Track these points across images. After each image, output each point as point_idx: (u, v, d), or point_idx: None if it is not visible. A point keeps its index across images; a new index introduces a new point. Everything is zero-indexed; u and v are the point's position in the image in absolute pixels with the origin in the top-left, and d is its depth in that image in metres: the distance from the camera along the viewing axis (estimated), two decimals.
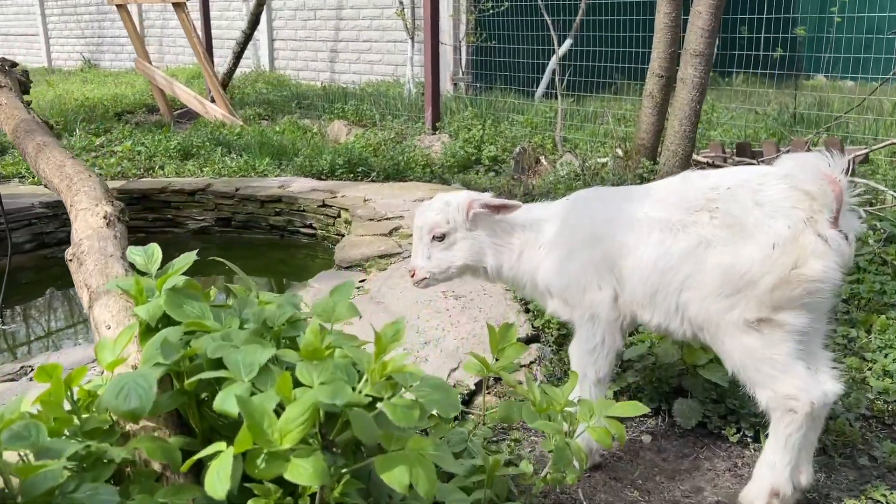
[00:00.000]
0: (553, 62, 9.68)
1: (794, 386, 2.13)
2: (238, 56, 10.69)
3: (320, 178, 6.58)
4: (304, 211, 5.85)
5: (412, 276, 2.66)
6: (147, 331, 1.79)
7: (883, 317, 3.36)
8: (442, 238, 2.61)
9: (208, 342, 1.62)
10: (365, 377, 1.47)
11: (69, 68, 17.52)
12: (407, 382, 1.54)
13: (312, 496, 1.55)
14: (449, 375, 3.09)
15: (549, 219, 2.60)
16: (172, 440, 1.73)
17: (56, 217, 5.65)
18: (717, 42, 4.75)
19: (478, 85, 10.66)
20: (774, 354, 2.15)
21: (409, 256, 4.48)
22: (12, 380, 2.88)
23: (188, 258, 1.93)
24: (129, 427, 1.75)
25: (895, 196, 4.31)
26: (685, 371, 2.87)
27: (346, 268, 4.23)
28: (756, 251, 2.13)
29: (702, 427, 2.79)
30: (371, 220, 5.13)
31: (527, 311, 3.65)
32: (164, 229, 6.15)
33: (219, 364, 1.59)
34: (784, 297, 2.11)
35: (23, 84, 3.69)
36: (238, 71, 11.82)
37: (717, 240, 2.20)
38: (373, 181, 6.53)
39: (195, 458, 1.40)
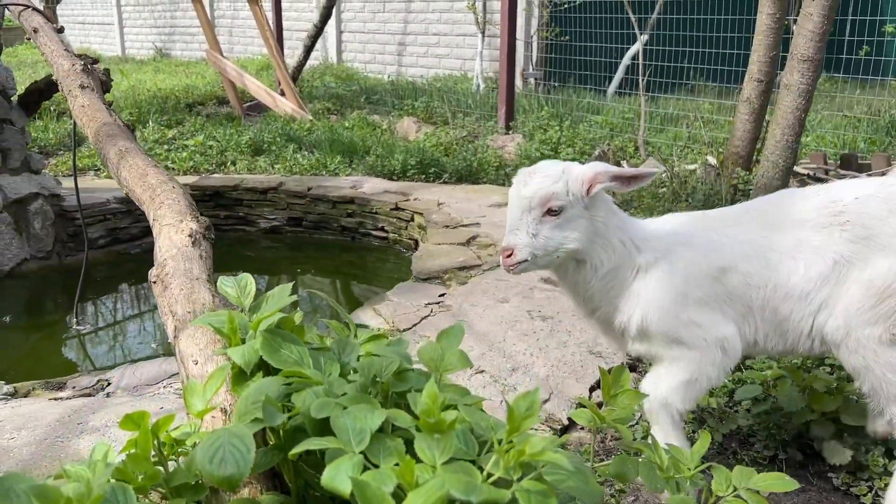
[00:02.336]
0: (627, 59, 9.33)
1: None
2: (309, 49, 10.64)
3: (392, 179, 6.43)
4: (376, 213, 5.70)
5: (507, 255, 2.17)
6: (239, 374, 1.63)
7: None
8: (558, 213, 2.13)
9: (310, 398, 1.44)
10: (494, 457, 1.27)
11: (142, 57, 17.87)
12: (539, 463, 1.33)
13: None
14: (543, 406, 2.87)
15: (648, 238, 2.30)
16: (265, 498, 1.56)
17: (130, 213, 5.64)
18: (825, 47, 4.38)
19: (549, 83, 10.36)
20: None
21: (489, 269, 4.28)
22: (89, 395, 2.79)
23: (284, 292, 1.75)
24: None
25: None
26: (812, 418, 2.59)
27: (425, 279, 4.04)
28: (890, 264, 2.06)
29: (825, 481, 2.51)
30: (447, 226, 4.94)
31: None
32: (236, 227, 6.09)
33: (323, 425, 1.41)
34: None
35: (104, 83, 3.61)
36: (306, 64, 11.79)
37: (854, 255, 2.11)
38: (445, 183, 6.34)
39: None
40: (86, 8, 20.50)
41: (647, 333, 2.27)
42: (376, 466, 1.32)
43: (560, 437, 2.80)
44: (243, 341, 1.68)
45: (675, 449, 1.90)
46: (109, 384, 2.86)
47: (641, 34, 8.88)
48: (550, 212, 2.13)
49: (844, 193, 2.18)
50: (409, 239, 5.43)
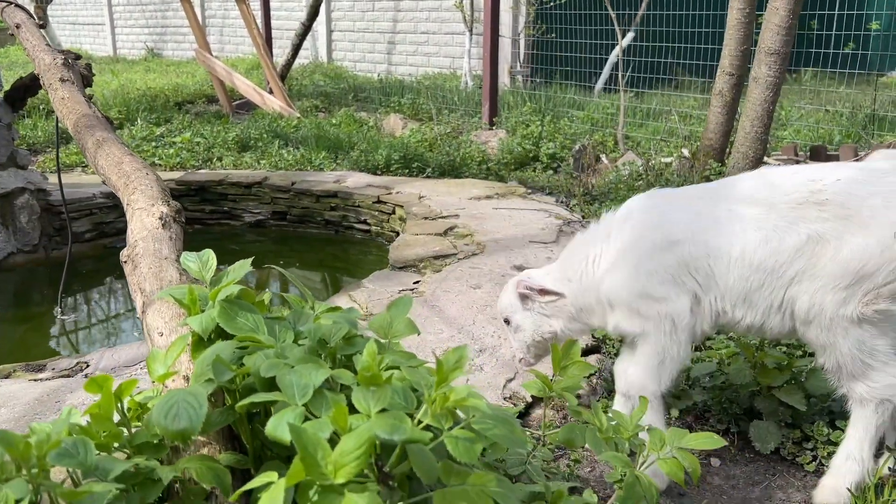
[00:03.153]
0: (613, 56, 9.45)
1: (893, 375, 2.18)
2: (297, 48, 10.73)
3: (375, 174, 6.53)
4: (359, 207, 5.80)
5: (519, 361, 2.77)
6: (199, 342, 1.73)
7: None
8: (508, 323, 2.68)
9: (261, 360, 1.55)
10: (424, 407, 1.38)
11: (133, 57, 17.93)
12: (469, 413, 1.44)
13: None
14: (505, 386, 2.98)
15: (604, 237, 2.51)
16: (223, 457, 1.67)
17: (116, 207, 5.72)
18: (793, 40, 4.50)
19: (536, 79, 10.47)
20: (880, 346, 2.18)
21: (464, 258, 4.39)
22: (67, 376, 2.88)
23: (243, 266, 1.86)
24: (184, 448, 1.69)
25: None
26: (758, 392, 2.70)
27: (401, 268, 4.15)
28: (873, 242, 2.11)
29: (774, 452, 2.62)
30: (426, 218, 5.05)
31: None
32: (221, 221, 6.18)
33: (272, 383, 1.52)
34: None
35: (86, 78, 3.70)
36: (296, 62, 11.88)
37: (829, 233, 2.17)
38: (428, 177, 6.44)
39: (245, 488, 1.33)
40: (77, 8, 20.54)
41: (611, 306, 2.45)
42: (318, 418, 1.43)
43: (525, 413, 2.91)
44: (203, 312, 1.78)
45: (617, 414, 2.01)
46: (88, 366, 2.95)
47: (627, 30, 9.01)
48: (507, 323, 2.70)
49: (825, 173, 2.23)
50: (391, 231, 5.53)
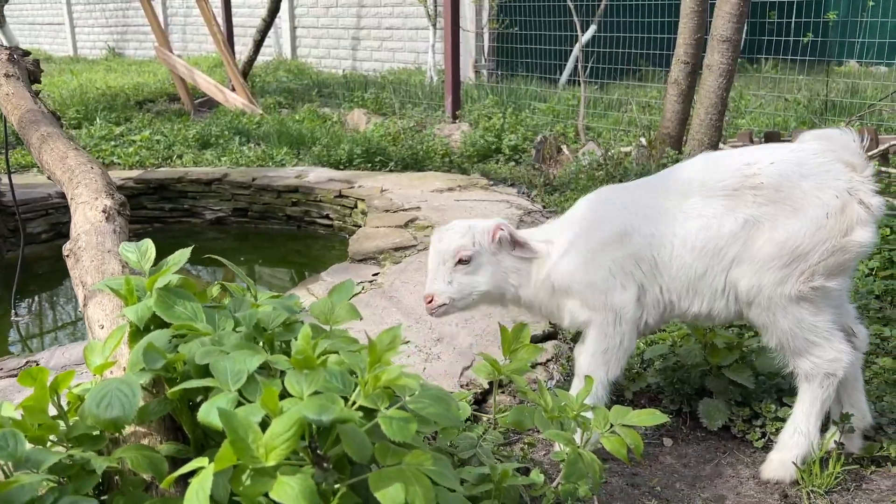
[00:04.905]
0: (577, 49, 9.50)
1: (836, 350, 2.26)
2: (258, 44, 10.63)
3: (338, 168, 6.50)
4: (320, 201, 5.77)
5: (428, 302, 2.52)
6: (137, 332, 1.71)
7: None
8: (468, 261, 2.49)
9: (196, 347, 1.54)
10: (358, 388, 1.38)
11: (94, 57, 17.63)
12: (405, 392, 1.44)
13: None
14: (462, 374, 2.99)
15: (559, 231, 2.57)
16: (163, 447, 1.65)
17: (61, 207, 5.63)
18: (745, 28, 4.56)
19: (500, 72, 10.49)
20: (819, 322, 2.25)
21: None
22: (13, 376, 2.83)
23: (183, 255, 1.84)
24: (120, 434, 1.67)
25: None
26: (709, 372, 2.74)
27: (360, 260, 4.14)
28: (807, 223, 2.18)
29: (724, 430, 2.66)
30: (387, 211, 5.04)
31: None
32: (181, 219, 6.11)
33: (208, 370, 1.51)
34: (836, 264, 2.20)
35: (32, 74, 3.63)
36: (259, 59, 11.77)
37: (764, 216, 2.24)
38: (391, 171, 6.43)
39: (176, 474, 1.32)
40: (35, 8, 20.13)
41: (567, 294, 2.48)
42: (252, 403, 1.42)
43: (482, 399, 2.92)
44: (141, 301, 1.76)
45: (562, 394, 2.03)
46: (38, 364, 2.90)
47: (590, 23, 9.07)
48: (462, 261, 2.47)
49: (760, 156, 2.30)
50: (354, 225, 5.51)
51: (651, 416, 1.83)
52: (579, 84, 8.98)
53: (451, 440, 2.14)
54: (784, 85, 9.39)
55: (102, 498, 1.61)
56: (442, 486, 1.60)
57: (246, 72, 10.38)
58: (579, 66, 7.13)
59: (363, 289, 3.67)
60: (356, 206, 5.54)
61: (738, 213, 2.25)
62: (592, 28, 9.16)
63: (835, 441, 2.48)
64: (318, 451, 1.37)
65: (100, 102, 9.40)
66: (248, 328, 1.58)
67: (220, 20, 10.70)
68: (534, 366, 3.14)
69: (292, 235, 5.89)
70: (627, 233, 2.40)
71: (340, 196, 5.66)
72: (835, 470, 2.34)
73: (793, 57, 9.48)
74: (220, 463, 1.24)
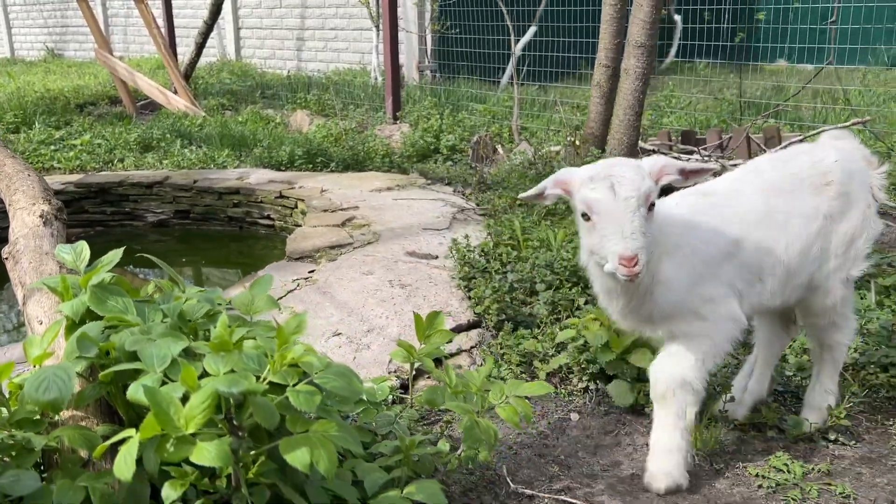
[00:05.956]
0: (518, 50, 9.78)
1: (856, 323, 2.66)
2: (200, 47, 10.64)
3: (279, 170, 6.65)
4: (261, 202, 5.92)
5: (634, 264, 2.00)
6: (73, 326, 1.88)
7: None
8: (653, 207, 2.10)
9: (126, 336, 1.73)
10: (268, 367, 1.58)
11: (32, 59, 17.27)
12: (313, 370, 1.66)
13: (229, 477, 1.67)
14: (390, 362, 3.20)
15: (669, 223, 2.30)
16: (100, 429, 1.83)
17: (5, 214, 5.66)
18: (657, 33, 4.88)
19: (443, 74, 10.71)
20: (851, 299, 2.62)
21: (360, 246, 4.58)
22: None
23: (115, 255, 2.02)
24: (59, 417, 1.85)
25: None
26: (613, 353, 3.01)
27: (297, 259, 4.32)
28: (857, 214, 2.49)
29: (627, 406, 2.94)
30: (325, 210, 5.22)
31: (469, 298, 3.77)
32: (123, 222, 6.18)
33: (136, 356, 1.69)
34: (867, 249, 2.53)
35: None
36: (204, 60, 11.76)
37: (834, 211, 2.47)
38: (332, 171, 6.60)
39: (108, 443, 1.50)
40: None
41: (670, 312, 2.29)
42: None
43: (408, 385, 3.13)
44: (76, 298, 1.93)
45: (468, 373, 2.26)
46: None
47: (529, 26, 9.36)
48: (651, 208, 2.09)
49: (824, 156, 2.50)
50: (294, 225, 5.67)
51: (540, 387, 2.08)
52: (520, 85, 9.28)
53: (372, 419, 2.36)
54: (715, 85, 9.84)
55: (43, 475, 1.78)
56: (352, 451, 1.82)
57: (188, 74, 10.39)
58: (513, 69, 7.40)
59: (298, 285, 3.86)
60: (296, 207, 5.70)
61: (819, 211, 2.43)
62: (532, 31, 9.45)
63: (719, 410, 2.78)
64: (234, 422, 1.57)
65: (39, 106, 9.32)
66: (173, 318, 1.77)
67: (161, 22, 10.69)
68: (460, 352, 3.38)
69: (234, 236, 6.02)
70: (739, 241, 2.36)
71: (281, 197, 5.81)
72: (716, 434, 2.63)
73: (723, 60, 9.95)
74: (145, 432, 1.44)
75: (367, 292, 3.79)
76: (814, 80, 6.65)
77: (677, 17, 11.04)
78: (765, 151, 4.96)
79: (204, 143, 7.46)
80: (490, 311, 3.57)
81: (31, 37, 18.16)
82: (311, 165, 6.70)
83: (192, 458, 1.44)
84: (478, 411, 2.10)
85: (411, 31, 10.70)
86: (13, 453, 1.67)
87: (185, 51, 11.93)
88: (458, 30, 10.31)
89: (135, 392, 1.54)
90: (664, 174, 2.15)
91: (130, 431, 1.48)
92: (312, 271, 4.08)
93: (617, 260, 2.00)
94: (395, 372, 3.16)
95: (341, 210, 5.25)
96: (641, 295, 2.26)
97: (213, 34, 12.16)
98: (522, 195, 2.30)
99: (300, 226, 5.49)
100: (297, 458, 1.52)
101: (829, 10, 6.10)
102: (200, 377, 1.57)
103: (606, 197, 2.04)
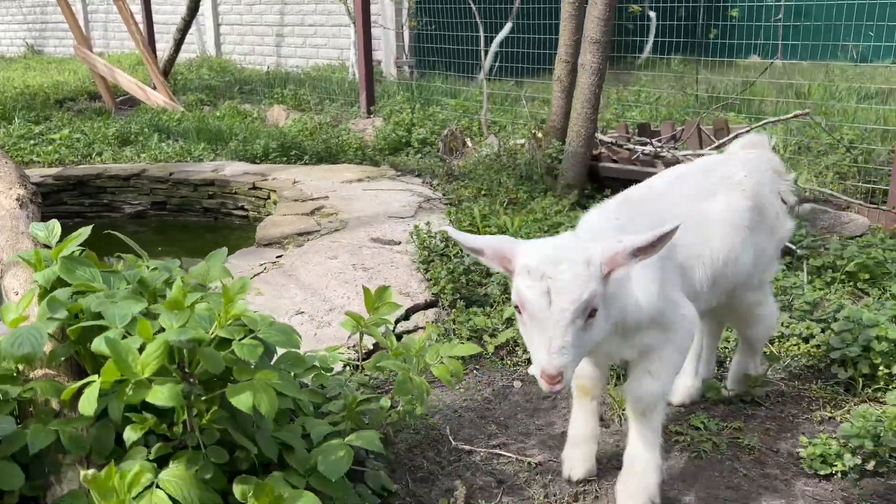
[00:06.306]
0: (494, 47, 10.02)
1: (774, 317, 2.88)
2: (179, 43, 10.79)
3: (254, 162, 6.84)
4: (236, 194, 6.12)
5: (555, 382, 1.79)
6: (45, 293, 2.10)
7: None
8: (594, 314, 1.86)
9: (92, 300, 1.94)
10: (216, 323, 1.81)
11: (11, 55, 17.31)
12: (257, 326, 1.88)
13: (185, 423, 1.89)
14: (350, 337, 3.42)
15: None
16: (69, 384, 2.05)
17: None
18: (612, 30, 5.12)
19: (420, 70, 10.92)
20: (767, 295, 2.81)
21: (327, 233, 4.80)
22: None
23: (84, 231, 2.24)
24: (33, 375, 2.06)
25: None
26: None
27: (266, 245, 4.53)
28: (769, 224, 2.66)
29: None
30: (296, 200, 5.43)
31: (428, 280, 4.00)
32: (101, 214, 6.36)
33: (101, 317, 1.91)
34: (779, 252, 2.79)
35: None
36: (183, 56, 11.89)
37: (748, 222, 2.54)
38: (305, 164, 6.81)
39: (75, 386, 1.72)
40: None
41: (640, 325, 2.16)
42: None
43: (366, 358, 3.36)
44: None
45: (410, 339, 2.50)
46: None
47: (505, 23, 9.60)
48: (593, 313, 1.85)
49: (736, 171, 2.60)
50: (268, 215, 5.86)
51: (469, 348, 2.31)
52: (497, 80, 9.52)
53: (324, 382, 2.59)
54: (687, 80, 10.12)
55: (18, 424, 1.99)
56: (302, 409, 2.05)
57: (167, 70, 10.55)
58: (483, 65, 7.64)
59: (265, 269, 4.08)
60: (269, 198, 5.91)
61: (736, 219, 2.50)
62: (507, 27, 9.69)
63: None
64: (186, 371, 1.79)
65: (18, 101, 9.45)
66: (134, 285, 1.99)
67: (140, 18, 10.83)
68: (416, 329, 3.61)
69: (209, 227, 6.22)
70: (675, 244, 2.21)
71: (254, 188, 6.02)
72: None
73: (700, 57, 10.22)
74: (106, 375, 1.66)
75: (330, 275, 4.02)
76: (780, 76, 6.93)
77: (652, 14, 11.31)
78: (713, 142, 5.22)
79: (181, 137, 7.65)
80: (446, 291, 3.80)
81: (10, 33, 18.18)
82: (285, 158, 6.90)
83: (149, 399, 1.66)
84: (420, 372, 2.33)
85: (388, 27, 10.90)
86: None
87: (164, 47, 12.06)
88: (434, 26, 10.53)
89: (98, 344, 1.76)
90: (617, 265, 1.88)
91: (94, 378, 1.70)
92: (280, 256, 4.30)
93: (539, 371, 1.81)
94: (353, 347, 3.38)
95: (311, 200, 5.46)
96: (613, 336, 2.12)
97: (192, 30, 12.30)
98: (456, 235, 2.01)
99: (272, 215, 5.71)
100: (242, 401, 1.75)
101: (775, 9, 6.37)
102: (156, 333, 1.79)
103: (539, 302, 1.79)
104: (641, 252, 1.88)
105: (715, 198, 2.49)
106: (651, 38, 11.46)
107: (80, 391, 1.73)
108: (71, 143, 7.48)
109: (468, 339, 3.42)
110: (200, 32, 14.19)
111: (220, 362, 1.73)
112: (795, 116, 4.96)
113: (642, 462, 2.26)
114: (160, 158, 7.00)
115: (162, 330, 1.81)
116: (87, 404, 1.62)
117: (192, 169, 6.44)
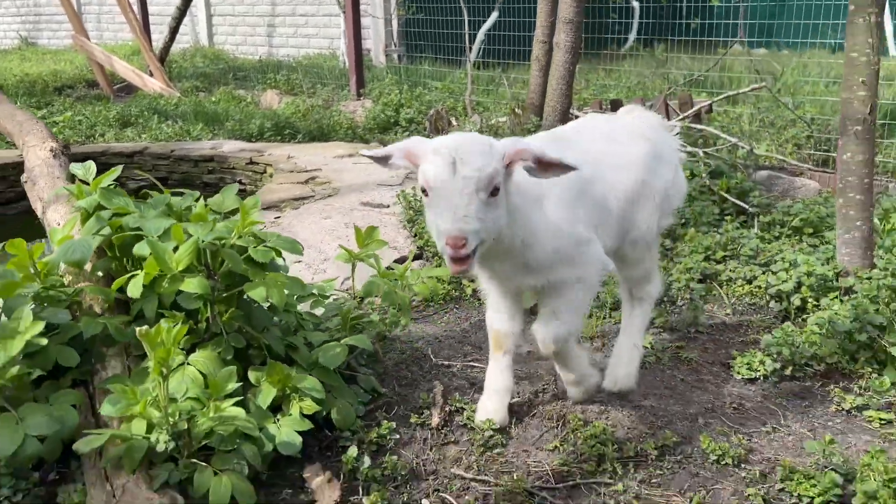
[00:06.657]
0: (482, 33, 10.41)
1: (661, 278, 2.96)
2: (174, 31, 11.12)
3: (250, 141, 7.22)
4: (234, 168, 6.50)
5: (460, 245, 1.89)
6: (87, 217, 2.49)
7: (692, 230, 4.22)
8: (496, 192, 1.97)
9: (129, 218, 2.34)
10: (234, 232, 2.21)
11: (6, 47, 17.56)
12: (267, 238, 2.28)
13: (207, 321, 2.29)
14: (343, 283, 3.82)
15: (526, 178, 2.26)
16: (106, 290, 2.44)
17: (5, 178, 6.19)
18: (584, 10, 5.52)
19: (410, 54, 11.29)
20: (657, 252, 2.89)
21: (320, 198, 5.20)
22: None
23: (117, 169, 2.64)
24: (78, 285, 2.45)
25: (725, 139, 5.18)
26: None
27: (265, 209, 4.92)
28: (668, 172, 2.73)
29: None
30: (291, 171, 5.82)
31: (413, 236, 4.40)
32: None
33: (136, 238, 2.31)
34: (677, 204, 2.87)
35: None
36: (177, 47, 12.23)
37: (651, 166, 2.63)
38: (298, 142, 7.18)
39: (124, 277, 2.12)
40: None
41: (550, 261, 2.25)
42: None
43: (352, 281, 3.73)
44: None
45: (396, 266, 2.89)
46: None
47: (493, 9, 9.99)
48: (494, 192, 1.96)
49: (638, 122, 2.79)
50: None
51: (445, 271, 2.71)
52: (485, 66, 9.92)
53: (322, 306, 2.98)
54: (670, 65, 10.52)
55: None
56: (302, 325, 2.44)
57: (163, 58, 10.88)
58: (467, 49, 8.04)
59: (264, 227, 4.46)
60: (265, 171, 6.29)
61: (640, 163, 2.60)
62: (494, 15, 10.07)
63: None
64: (210, 270, 2.19)
65: (19, 88, 9.77)
66: (162, 206, 2.39)
67: (135, 8, 11.15)
68: (374, 255, 3.99)
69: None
70: (592, 180, 2.40)
71: (251, 163, 6.40)
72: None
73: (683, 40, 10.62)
74: (148, 269, 2.05)
75: (324, 231, 4.41)
76: (755, 61, 7.35)
77: (635, 3, 11.68)
78: (678, 115, 5.64)
79: (180, 118, 8.00)
80: (429, 244, 4.20)
81: (3, 25, 18.42)
82: (279, 137, 7.27)
83: (182, 287, 2.05)
84: (404, 288, 2.73)
85: (377, 15, 11.27)
86: (47, 304, 2.28)
87: (158, 37, 12.38)
88: (423, 13, 10.89)
89: (140, 249, 2.16)
90: (519, 159, 2.01)
91: (138, 272, 2.10)
92: (278, 217, 4.69)
93: (444, 239, 1.89)
94: (348, 290, 3.78)
95: (305, 171, 5.84)
96: (519, 253, 2.21)
97: (185, 21, 12.63)
98: (366, 153, 2.16)
99: (270, 184, 6.09)
100: (256, 293, 2.15)
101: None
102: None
103: (445, 173, 1.91)
104: (542, 165, 2.02)
105: (627, 143, 2.63)
106: (635, 26, 11.87)
107: (126, 284, 2.13)
108: (74, 125, 7.82)
109: (448, 285, 3.82)
110: (193, 23, 14.50)
111: (240, 261, 2.13)
112: (753, 90, 5.39)
113: (570, 379, 2.55)
114: (160, 138, 7.36)
115: (191, 237, 2.21)
116: (135, 289, 2.02)
117: (191, 147, 6.81)
